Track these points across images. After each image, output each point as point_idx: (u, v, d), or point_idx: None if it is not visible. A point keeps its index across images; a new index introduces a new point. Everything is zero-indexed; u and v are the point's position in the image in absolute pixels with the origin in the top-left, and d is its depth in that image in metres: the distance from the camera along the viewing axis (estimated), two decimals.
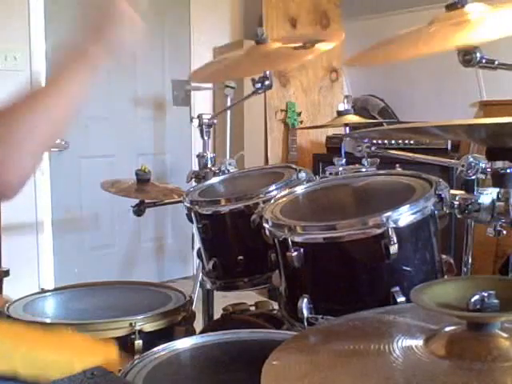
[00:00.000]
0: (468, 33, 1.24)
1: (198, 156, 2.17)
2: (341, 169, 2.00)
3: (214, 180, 1.86)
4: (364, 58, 1.48)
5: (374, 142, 2.11)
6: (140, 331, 1.35)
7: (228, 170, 1.98)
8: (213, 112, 3.94)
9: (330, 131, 3.82)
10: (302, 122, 4.15)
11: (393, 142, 3.24)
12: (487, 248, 3.09)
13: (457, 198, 1.16)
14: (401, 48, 1.34)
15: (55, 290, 1.70)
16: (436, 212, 1.16)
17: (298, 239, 1.16)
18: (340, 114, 2.51)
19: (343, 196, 1.44)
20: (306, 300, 1.16)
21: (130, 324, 1.35)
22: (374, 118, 4.15)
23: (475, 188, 1.16)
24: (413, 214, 1.12)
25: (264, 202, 1.42)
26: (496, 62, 1.30)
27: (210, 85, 4.12)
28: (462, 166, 1.23)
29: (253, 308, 1.71)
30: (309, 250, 1.15)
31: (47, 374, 0.97)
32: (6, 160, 0.85)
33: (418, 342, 0.75)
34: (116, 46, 1.00)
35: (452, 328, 0.75)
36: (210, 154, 2.14)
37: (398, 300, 1.10)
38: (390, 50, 1.37)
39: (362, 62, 1.65)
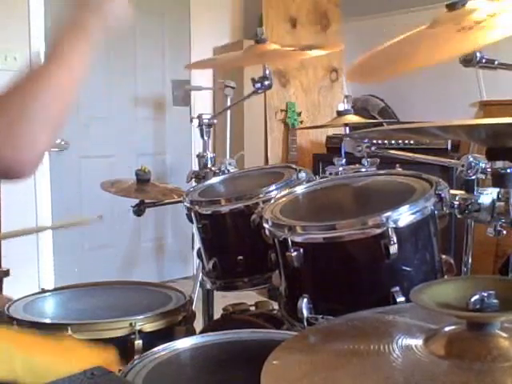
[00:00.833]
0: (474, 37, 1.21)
1: (198, 156, 2.17)
2: (341, 169, 2.00)
3: (214, 180, 1.86)
4: (364, 73, 1.43)
5: (374, 142, 2.11)
6: (140, 331, 1.35)
7: (228, 170, 1.98)
8: (213, 112, 3.94)
9: (330, 131, 3.82)
10: (302, 122, 4.15)
11: (393, 142, 3.24)
12: (487, 248, 3.09)
13: (457, 198, 1.16)
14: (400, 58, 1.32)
15: (55, 289, 1.70)
16: (436, 212, 1.16)
17: (297, 239, 1.15)
18: (340, 114, 2.50)
19: (343, 196, 1.44)
20: (305, 300, 1.16)
21: (130, 324, 1.35)
22: (374, 118, 4.15)
23: (475, 188, 1.16)
24: (413, 213, 1.12)
25: (264, 202, 1.42)
26: (496, 62, 1.30)
27: (210, 85, 4.12)
28: (462, 166, 1.23)
29: (253, 308, 1.71)
30: (309, 249, 1.15)
31: (47, 379, 0.97)
32: (18, 139, 0.85)
33: (417, 342, 0.74)
34: (109, 16, 1.00)
35: (452, 328, 0.75)
36: (210, 154, 2.14)
37: (398, 300, 1.10)
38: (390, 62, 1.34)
39: (362, 79, 1.61)
